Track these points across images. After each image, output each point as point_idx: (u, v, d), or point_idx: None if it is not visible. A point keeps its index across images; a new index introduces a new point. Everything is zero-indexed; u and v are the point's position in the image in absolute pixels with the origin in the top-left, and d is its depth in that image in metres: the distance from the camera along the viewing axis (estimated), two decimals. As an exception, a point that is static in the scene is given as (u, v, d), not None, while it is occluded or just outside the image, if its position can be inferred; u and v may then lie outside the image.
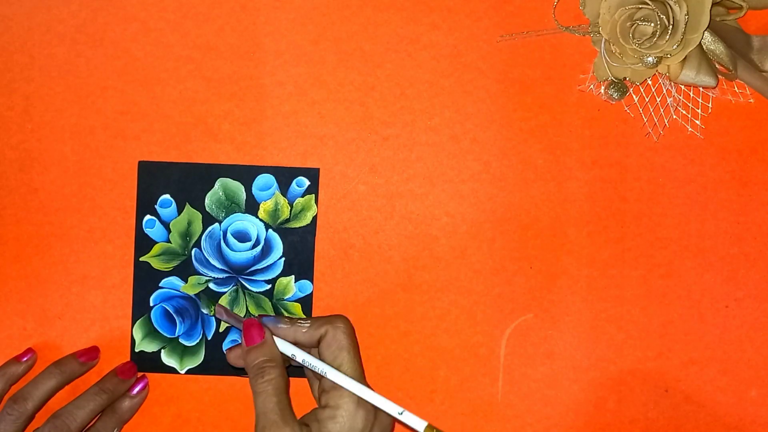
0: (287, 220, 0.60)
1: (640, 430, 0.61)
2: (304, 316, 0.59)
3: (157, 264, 0.60)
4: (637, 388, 0.61)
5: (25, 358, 0.59)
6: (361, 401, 0.52)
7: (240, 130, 0.60)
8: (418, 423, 0.52)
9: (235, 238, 0.60)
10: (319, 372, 0.53)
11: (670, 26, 0.56)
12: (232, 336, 0.60)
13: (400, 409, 0.52)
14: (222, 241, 0.60)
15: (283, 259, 0.60)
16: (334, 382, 0.52)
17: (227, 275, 0.60)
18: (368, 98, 0.61)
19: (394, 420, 0.53)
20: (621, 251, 0.61)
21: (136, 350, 0.60)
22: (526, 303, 0.61)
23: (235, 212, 0.60)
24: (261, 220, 0.60)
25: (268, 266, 0.60)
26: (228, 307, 0.58)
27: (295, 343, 0.54)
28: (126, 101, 0.60)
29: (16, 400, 0.56)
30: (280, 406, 0.51)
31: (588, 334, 0.61)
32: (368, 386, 0.53)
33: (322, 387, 0.54)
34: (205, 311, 0.59)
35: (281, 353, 0.54)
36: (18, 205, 0.60)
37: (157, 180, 0.60)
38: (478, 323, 0.61)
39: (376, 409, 0.52)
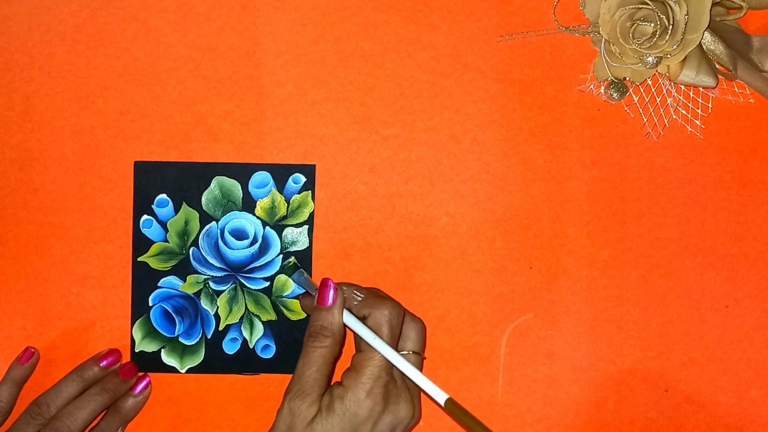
0: (284, 217, 0.60)
1: (640, 430, 0.61)
2: (362, 287, 0.58)
3: (155, 264, 0.60)
4: (637, 388, 0.61)
5: (26, 359, 0.59)
6: (372, 391, 0.52)
7: (240, 130, 0.60)
8: (440, 395, 0.53)
9: (232, 236, 0.60)
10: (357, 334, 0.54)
11: (670, 26, 0.56)
12: (232, 334, 0.60)
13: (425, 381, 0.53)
14: (219, 240, 0.60)
15: (281, 256, 0.60)
16: (355, 363, 0.53)
17: (225, 273, 0.60)
18: (368, 98, 0.61)
19: (413, 413, 0.54)
20: (621, 251, 0.61)
21: (136, 350, 0.60)
22: (526, 303, 0.61)
23: (232, 210, 0.60)
24: (258, 217, 0.60)
25: (266, 264, 0.60)
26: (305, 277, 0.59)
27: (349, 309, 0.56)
28: (126, 101, 0.60)
29: (40, 405, 0.56)
30: (315, 375, 0.53)
31: (588, 334, 0.61)
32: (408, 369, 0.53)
33: (351, 363, 0.54)
34: (286, 273, 0.60)
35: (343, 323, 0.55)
36: (18, 205, 0.60)
37: (154, 180, 0.60)
38: (478, 323, 0.61)
39: (387, 402, 0.53)
